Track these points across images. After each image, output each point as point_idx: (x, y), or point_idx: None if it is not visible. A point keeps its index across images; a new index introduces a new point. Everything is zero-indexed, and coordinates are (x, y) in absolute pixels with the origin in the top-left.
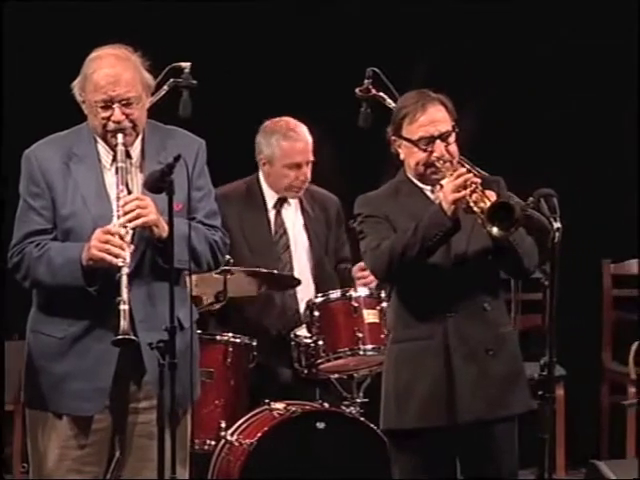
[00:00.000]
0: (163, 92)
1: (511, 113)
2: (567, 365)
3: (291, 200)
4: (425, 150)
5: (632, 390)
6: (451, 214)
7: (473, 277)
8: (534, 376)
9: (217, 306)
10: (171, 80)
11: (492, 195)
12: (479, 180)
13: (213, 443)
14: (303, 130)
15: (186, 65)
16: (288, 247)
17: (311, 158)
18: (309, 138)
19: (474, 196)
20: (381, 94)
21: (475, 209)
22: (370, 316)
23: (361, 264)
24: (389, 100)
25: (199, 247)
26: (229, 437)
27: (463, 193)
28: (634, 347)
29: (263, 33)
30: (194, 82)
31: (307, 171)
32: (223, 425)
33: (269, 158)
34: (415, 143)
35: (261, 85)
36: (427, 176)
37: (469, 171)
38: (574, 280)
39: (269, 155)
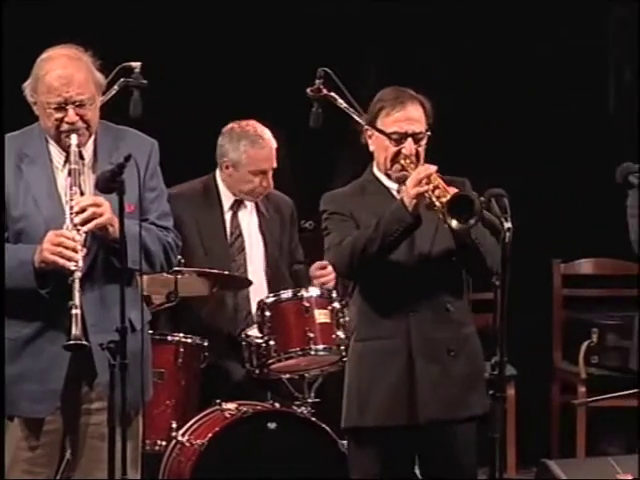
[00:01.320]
0: (113, 92)
1: (458, 114)
2: (518, 365)
3: (247, 202)
4: (396, 145)
5: (582, 389)
6: (412, 209)
7: (436, 277)
8: (485, 376)
9: (168, 306)
10: (121, 80)
11: (454, 190)
12: (440, 176)
13: (164, 443)
14: (269, 136)
15: (136, 65)
16: (243, 249)
17: (275, 165)
18: (274, 144)
19: (436, 191)
20: (332, 94)
21: (437, 204)
22: (321, 316)
23: (319, 263)
24: (340, 100)
25: (152, 248)
26: (180, 437)
27: (425, 188)
28: (584, 347)
29: (214, 33)
30: (144, 82)
31: (270, 178)
32: (174, 425)
33: (234, 162)
34: (388, 135)
35: (212, 85)
36: (392, 172)
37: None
38: (525, 280)
39: (235, 159)
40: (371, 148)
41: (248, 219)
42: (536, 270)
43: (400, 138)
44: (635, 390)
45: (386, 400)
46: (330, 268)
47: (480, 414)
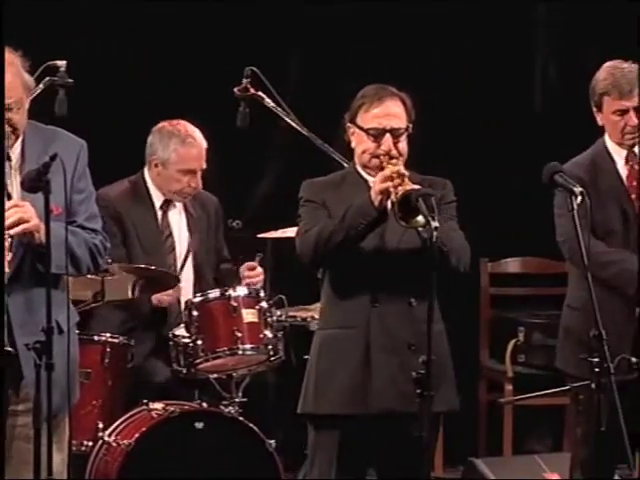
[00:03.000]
0: (39, 90)
1: None
2: None
3: (176, 202)
4: (374, 141)
5: (509, 388)
6: (378, 204)
7: (402, 272)
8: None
9: (95, 306)
10: (47, 78)
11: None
12: (406, 173)
13: (90, 444)
14: (200, 136)
15: (62, 63)
16: (174, 249)
17: (204, 165)
18: (205, 145)
19: (399, 189)
20: (260, 93)
21: (393, 202)
22: (249, 315)
23: (248, 264)
24: (268, 99)
25: (78, 251)
26: (107, 438)
27: (389, 184)
28: (511, 345)
29: (141, 31)
30: (70, 80)
31: (198, 178)
32: (101, 426)
33: (163, 161)
34: (366, 131)
35: (139, 84)
36: (371, 167)
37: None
38: (452, 278)
39: (164, 158)
40: (352, 144)
41: (178, 219)
42: None
43: (379, 134)
44: (561, 388)
45: (342, 389)
46: (259, 269)
47: (442, 411)
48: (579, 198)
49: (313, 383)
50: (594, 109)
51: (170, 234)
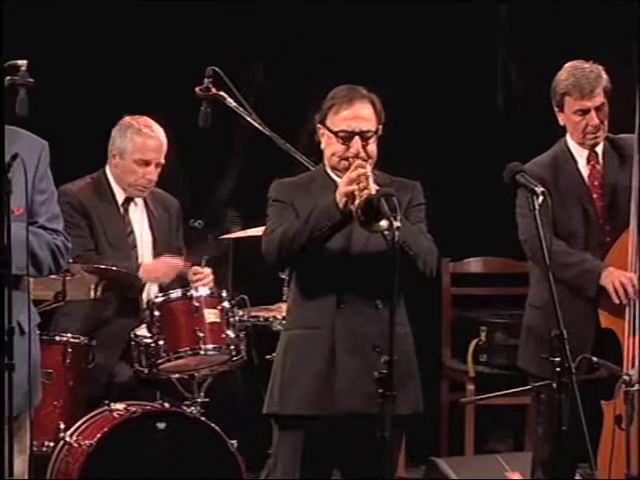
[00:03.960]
0: None
1: None
2: None
3: (138, 200)
4: (343, 143)
5: (471, 388)
6: (342, 207)
7: (369, 274)
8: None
9: (56, 306)
10: (7, 78)
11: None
12: (372, 176)
13: (52, 445)
14: (159, 130)
15: (22, 63)
16: (135, 246)
17: (162, 160)
18: (164, 139)
19: (365, 192)
20: (222, 93)
21: (356, 204)
22: (211, 315)
23: (194, 268)
24: (230, 99)
25: (40, 253)
26: (68, 438)
27: (354, 187)
28: (473, 345)
29: (104, 30)
30: (31, 80)
31: (154, 172)
32: (62, 426)
33: (120, 151)
34: (335, 134)
35: (101, 84)
36: (340, 169)
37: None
38: (414, 279)
39: (121, 148)
40: (322, 145)
41: (139, 217)
42: None
43: (348, 137)
44: (523, 388)
45: (307, 389)
46: (206, 270)
47: (406, 414)
48: (540, 198)
49: (278, 383)
50: (555, 109)
51: (132, 232)
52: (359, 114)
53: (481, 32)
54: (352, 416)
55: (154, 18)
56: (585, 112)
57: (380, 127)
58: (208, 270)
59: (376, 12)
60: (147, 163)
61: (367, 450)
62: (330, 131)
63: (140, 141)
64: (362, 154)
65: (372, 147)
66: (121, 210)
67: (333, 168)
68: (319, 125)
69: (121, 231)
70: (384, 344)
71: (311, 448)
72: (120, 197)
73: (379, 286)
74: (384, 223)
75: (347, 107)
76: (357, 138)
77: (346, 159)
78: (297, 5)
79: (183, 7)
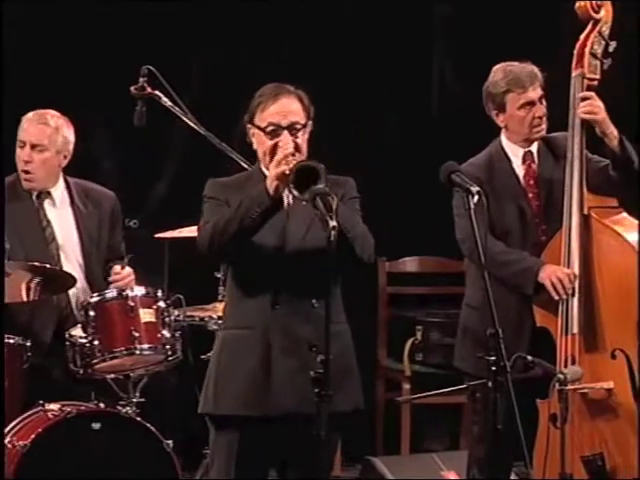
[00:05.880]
0: None
1: None
2: None
3: (55, 195)
4: (272, 138)
5: (407, 387)
6: (273, 192)
7: (305, 272)
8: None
9: None
10: None
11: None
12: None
13: None
14: (51, 118)
15: None
16: (54, 239)
17: (49, 147)
18: (50, 126)
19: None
20: (157, 92)
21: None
22: (146, 315)
23: (115, 267)
24: (165, 99)
25: None
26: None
27: (284, 168)
28: (408, 344)
29: (36, 29)
30: None
31: (28, 154)
32: None
33: (19, 139)
34: (263, 130)
35: (37, 82)
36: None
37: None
38: (350, 277)
39: (19, 135)
40: (254, 146)
41: (60, 212)
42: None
43: (276, 131)
44: (459, 387)
45: (241, 390)
46: (126, 271)
47: (345, 411)
48: (476, 197)
49: (213, 383)
50: (493, 112)
51: (48, 225)
52: (285, 108)
53: (416, 35)
54: (287, 416)
55: (89, 16)
56: (531, 104)
57: (309, 122)
58: (128, 270)
59: (314, 10)
60: (22, 145)
61: (303, 450)
62: (259, 128)
63: (25, 124)
64: (291, 144)
65: (302, 141)
66: (35, 204)
67: (266, 165)
68: (249, 125)
69: (34, 226)
70: (321, 343)
71: (247, 448)
72: (34, 192)
73: (315, 284)
74: (318, 187)
75: (273, 102)
76: (286, 132)
77: (276, 154)
78: (233, 3)
79: (119, 6)
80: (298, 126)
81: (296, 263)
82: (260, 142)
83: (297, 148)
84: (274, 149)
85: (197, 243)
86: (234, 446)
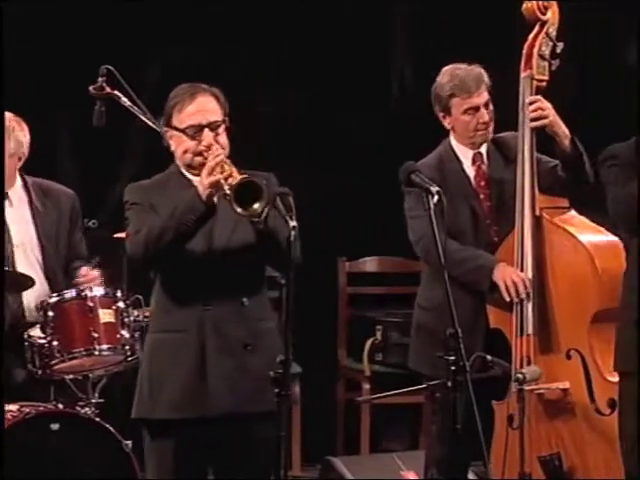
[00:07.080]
0: None
1: (249, 112)
2: (303, 362)
3: (12, 195)
4: (193, 138)
5: (367, 387)
6: (206, 198)
7: (233, 271)
8: (270, 374)
9: None
10: None
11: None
12: (229, 163)
13: None
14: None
15: None
16: (9, 240)
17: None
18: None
19: (229, 179)
20: (116, 92)
21: (227, 190)
22: (106, 316)
23: (83, 269)
24: (124, 98)
25: None
26: None
27: (218, 177)
28: (368, 344)
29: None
30: None
31: None
32: None
33: None
34: (183, 131)
35: None
36: (195, 166)
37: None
38: (310, 278)
39: None
40: (172, 147)
41: (16, 211)
42: (321, 268)
43: (197, 131)
44: (418, 387)
45: (176, 393)
46: (94, 272)
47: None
48: (436, 197)
49: (147, 388)
50: (440, 114)
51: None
52: (203, 107)
53: (375, 32)
54: (225, 416)
55: (47, 15)
56: (475, 109)
57: (227, 119)
58: (96, 273)
59: (273, 10)
60: None
61: (240, 450)
62: (177, 129)
63: None
64: (215, 145)
65: (222, 138)
66: None
67: (188, 166)
68: (166, 128)
69: None
70: (254, 342)
71: (184, 449)
72: None
73: (245, 282)
74: (257, 206)
75: (190, 102)
76: (207, 130)
77: (199, 154)
78: (192, 3)
79: (78, 5)
80: (218, 123)
81: (225, 261)
82: (179, 143)
83: (220, 145)
84: (199, 151)
85: (129, 253)
86: (171, 450)
